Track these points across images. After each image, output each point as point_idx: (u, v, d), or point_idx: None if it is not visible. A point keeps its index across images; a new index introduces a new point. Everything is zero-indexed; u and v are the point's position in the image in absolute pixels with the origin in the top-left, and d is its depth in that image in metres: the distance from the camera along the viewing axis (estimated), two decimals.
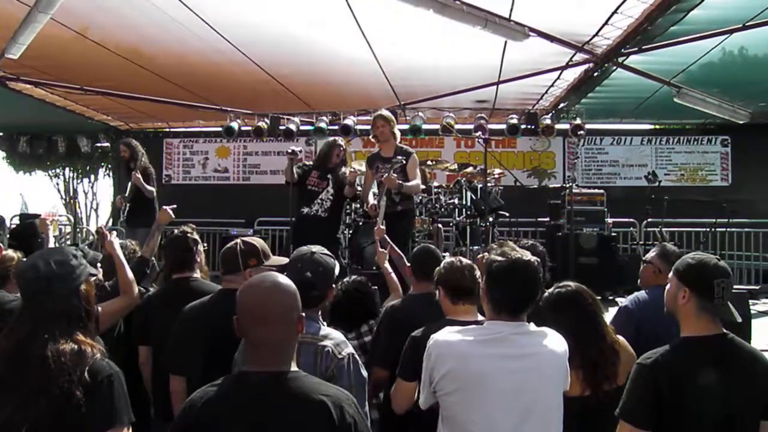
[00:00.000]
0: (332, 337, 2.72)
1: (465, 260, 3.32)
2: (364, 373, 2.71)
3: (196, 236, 3.98)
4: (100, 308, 3.34)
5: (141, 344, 3.81)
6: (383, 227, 5.28)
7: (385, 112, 6.83)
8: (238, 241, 3.44)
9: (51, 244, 4.40)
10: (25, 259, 2.37)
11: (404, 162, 6.35)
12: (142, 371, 3.77)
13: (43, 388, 2.02)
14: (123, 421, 2.11)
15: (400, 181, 6.27)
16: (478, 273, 3.21)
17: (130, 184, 7.89)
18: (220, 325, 3.16)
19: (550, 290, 3.18)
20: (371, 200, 6.73)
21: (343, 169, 6.93)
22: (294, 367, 2.06)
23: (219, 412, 1.95)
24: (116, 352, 3.02)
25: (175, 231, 4.00)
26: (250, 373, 2.04)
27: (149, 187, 7.92)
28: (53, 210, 4.91)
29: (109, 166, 14.57)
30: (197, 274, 3.91)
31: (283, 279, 2.15)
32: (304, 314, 2.14)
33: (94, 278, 2.38)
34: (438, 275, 3.27)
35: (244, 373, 2.07)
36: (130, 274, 3.61)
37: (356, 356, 2.72)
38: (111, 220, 8.08)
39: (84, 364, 2.08)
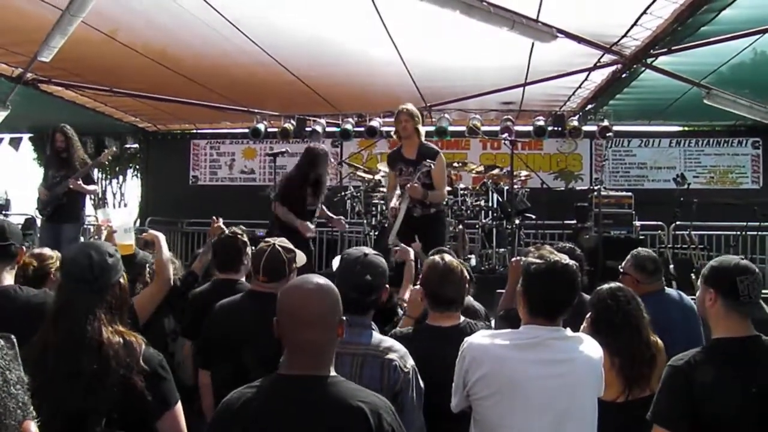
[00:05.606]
0: (395, 348, 2.64)
1: (448, 259, 3.16)
2: (422, 383, 2.65)
3: (246, 239, 4.01)
4: (134, 301, 3.41)
5: (190, 339, 3.89)
6: (419, 243, 4.99)
7: (410, 107, 6.43)
8: (279, 247, 3.43)
9: None
10: (73, 247, 2.48)
11: (431, 167, 6.04)
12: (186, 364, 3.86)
13: (106, 374, 2.10)
14: (177, 399, 2.26)
15: (426, 191, 6.00)
16: (465, 274, 3.15)
17: (64, 181, 7.12)
18: (249, 326, 3.21)
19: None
20: (394, 202, 6.43)
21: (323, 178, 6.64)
22: (333, 372, 2.03)
23: (256, 415, 1.94)
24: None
25: (226, 231, 4.05)
26: (289, 376, 2.01)
27: (91, 188, 7.54)
28: (108, 217, 4.88)
29: (137, 167, 14.70)
30: (243, 277, 3.96)
31: (325, 281, 2.11)
32: (345, 318, 2.10)
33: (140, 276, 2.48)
34: (422, 276, 3.19)
35: (283, 376, 2.03)
36: (167, 255, 3.61)
37: (416, 367, 2.65)
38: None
39: (136, 354, 2.18)
